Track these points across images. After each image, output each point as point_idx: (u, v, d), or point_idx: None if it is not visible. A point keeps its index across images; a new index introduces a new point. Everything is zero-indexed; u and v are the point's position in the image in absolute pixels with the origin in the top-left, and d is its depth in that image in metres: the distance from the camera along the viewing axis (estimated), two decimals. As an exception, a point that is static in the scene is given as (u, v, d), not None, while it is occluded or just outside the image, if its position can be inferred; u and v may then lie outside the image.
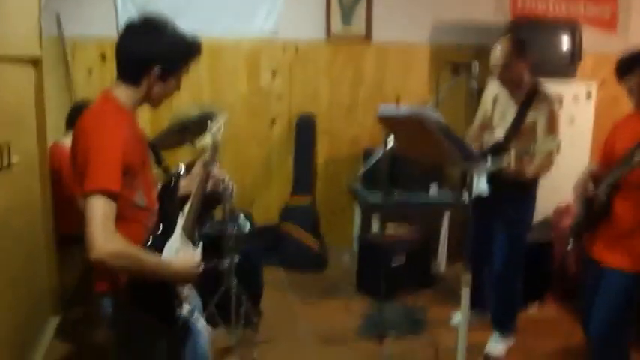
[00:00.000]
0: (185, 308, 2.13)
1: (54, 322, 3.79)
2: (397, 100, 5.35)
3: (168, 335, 2.18)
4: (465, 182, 3.11)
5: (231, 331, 3.65)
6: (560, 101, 4.82)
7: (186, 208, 2.18)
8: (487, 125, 3.80)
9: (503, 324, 3.81)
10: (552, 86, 4.80)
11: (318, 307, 4.41)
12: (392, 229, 4.83)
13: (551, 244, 4.45)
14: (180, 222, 2.15)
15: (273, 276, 4.86)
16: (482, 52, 3.72)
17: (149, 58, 2.01)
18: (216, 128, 2.40)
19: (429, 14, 5.44)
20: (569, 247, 3.22)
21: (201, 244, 2.25)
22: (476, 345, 3.69)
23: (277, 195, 5.44)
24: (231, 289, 3.59)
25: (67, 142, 2.72)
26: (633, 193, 2.75)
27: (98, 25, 4.78)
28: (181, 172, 2.40)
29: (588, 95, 5.07)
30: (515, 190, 3.53)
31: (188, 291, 2.19)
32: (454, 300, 3.33)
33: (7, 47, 2.99)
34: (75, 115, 3.40)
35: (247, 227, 3.49)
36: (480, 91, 3.91)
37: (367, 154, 4.83)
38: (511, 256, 3.67)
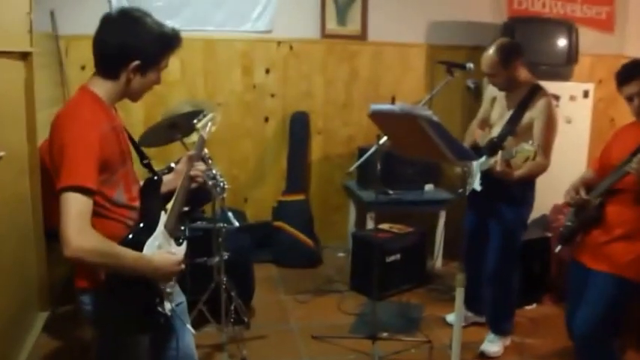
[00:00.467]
0: (167, 306, 2.10)
1: (42, 317, 3.75)
2: (393, 100, 5.37)
3: (149, 333, 2.15)
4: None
5: (221, 328, 3.64)
6: (557, 99, 4.82)
7: (170, 204, 2.15)
8: (486, 123, 3.80)
9: (499, 324, 3.77)
10: (549, 86, 4.80)
11: (311, 304, 4.38)
12: (387, 226, 4.80)
13: (548, 242, 4.42)
14: (163, 219, 2.12)
15: (265, 273, 4.85)
16: (478, 52, 3.71)
17: (128, 52, 1.98)
18: (203, 124, 2.37)
19: (424, 14, 5.44)
20: (556, 251, 3.23)
21: (185, 242, 2.22)
22: (471, 344, 3.68)
23: (271, 192, 5.42)
24: (221, 286, 3.57)
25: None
26: (625, 200, 2.78)
27: (92, 22, 4.64)
28: (172, 166, 2.39)
29: (585, 95, 5.05)
30: (511, 189, 3.50)
31: (171, 288, 2.15)
32: (450, 298, 3.31)
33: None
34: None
35: (236, 224, 3.46)
36: (475, 91, 3.89)
37: (361, 152, 4.81)
38: (505, 254, 3.64)
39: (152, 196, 2.15)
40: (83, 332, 3.67)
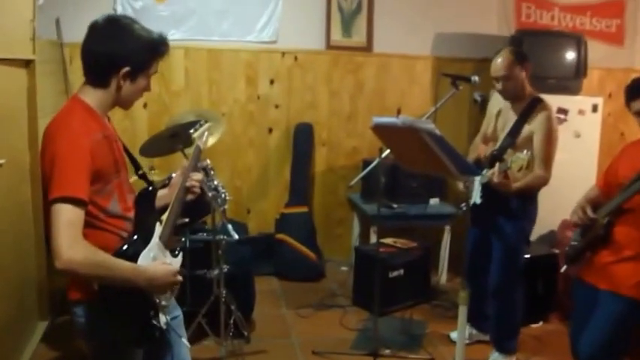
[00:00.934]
0: (162, 319, 2.04)
1: (41, 327, 3.73)
2: (398, 112, 5.30)
3: (144, 346, 2.09)
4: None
5: (221, 341, 3.58)
6: (566, 113, 4.78)
7: (165, 215, 2.10)
8: (490, 137, 3.75)
9: (503, 342, 3.70)
10: (558, 100, 4.76)
11: (312, 319, 4.32)
12: (391, 241, 4.75)
13: (555, 259, 4.35)
14: (159, 230, 2.07)
15: (267, 286, 4.80)
16: (484, 65, 3.67)
17: (117, 60, 1.95)
18: (199, 133, 2.32)
19: (431, 26, 5.42)
20: (562, 270, 3.17)
21: (181, 254, 2.17)
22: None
23: (274, 204, 5.38)
24: (220, 299, 3.52)
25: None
26: (634, 220, 2.71)
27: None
28: (173, 176, 2.34)
29: (594, 109, 5.00)
30: (511, 202, 3.47)
31: (167, 301, 2.10)
32: (454, 315, 3.26)
33: (-4, 48, 2.95)
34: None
35: (236, 237, 3.41)
36: (482, 104, 3.85)
37: (366, 164, 4.76)
38: (507, 269, 3.58)
39: (147, 206, 2.10)
40: (81, 343, 3.62)
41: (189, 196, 2.28)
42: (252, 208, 5.38)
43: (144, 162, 4.08)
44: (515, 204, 3.48)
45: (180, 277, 2.06)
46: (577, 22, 5.61)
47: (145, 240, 2.01)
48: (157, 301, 2.02)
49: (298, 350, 3.84)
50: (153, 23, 2.14)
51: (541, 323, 4.33)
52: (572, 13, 5.59)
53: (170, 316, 2.14)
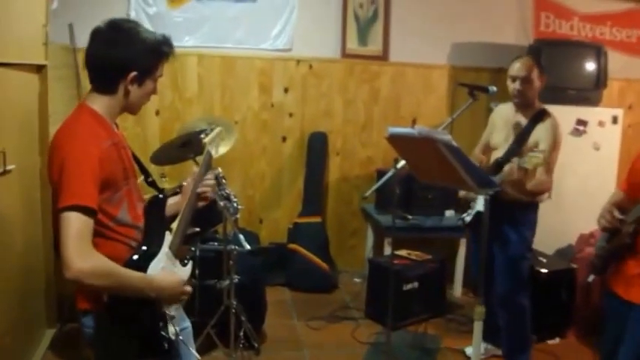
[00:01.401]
0: (171, 330, 2.00)
1: (49, 334, 3.71)
2: (414, 122, 5.23)
3: (153, 358, 2.03)
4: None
5: (230, 353, 3.52)
6: (585, 125, 4.71)
7: (175, 224, 2.05)
8: (492, 148, 3.73)
9: (514, 356, 3.62)
10: (577, 112, 4.69)
11: (324, 331, 4.25)
12: (405, 253, 4.67)
13: (573, 273, 4.26)
14: (168, 239, 2.03)
15: (278, 296, 4.73)
16: (502, 75, 3.62)
17: (124, 65, 1.92)
18: (210, 139, 2.27)
19: (447, 35, 5.36)
20: (589, 280, 3.06)
21: (190, 263, 2.12)
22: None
23: (286, 214, 5.33)
24: (230, 309, 3.45)
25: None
26: None
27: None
28: (184, 184, 2.29)
29: (614, 121, 4.92)
30: (514, 211, 3.46)
31: (175, 312, 2.05)
32: (469, 330, 3.21)
33: (9, 54, 2.94)
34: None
35: (247, 247, 3.35)
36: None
37: (380, 175, 4.70)
38: (512, 277, 3.54)
39: (157, 215, 2.07)
40: (89, 352, 3.58)
41: (201, 203, 2.23)
42: (265, 217, 5.33)
43: (155, 170, 4.08)
44: (518, 212, 3.48)
45: (189, 288, 2.03)
46: (597, 32, 5.53)
47: (155, 249, 1.97)
48: (166, 312, 1.99)
49: (309, 363, 3.78)
50: (167, 29, 2.12)
51: (558, 340, 4.22)
52: (591, 23, 5.51)
53: (179, 327, 2.10)
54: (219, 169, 3.42)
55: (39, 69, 3.51)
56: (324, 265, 4.99)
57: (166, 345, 1.99)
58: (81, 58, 4.63)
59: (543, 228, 3.68)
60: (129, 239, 1.96)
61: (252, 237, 4.80)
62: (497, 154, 3.58)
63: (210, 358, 3.61)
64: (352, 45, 5.22)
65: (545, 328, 4.10)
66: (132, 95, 1.97)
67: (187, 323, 2.30)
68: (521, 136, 3.46)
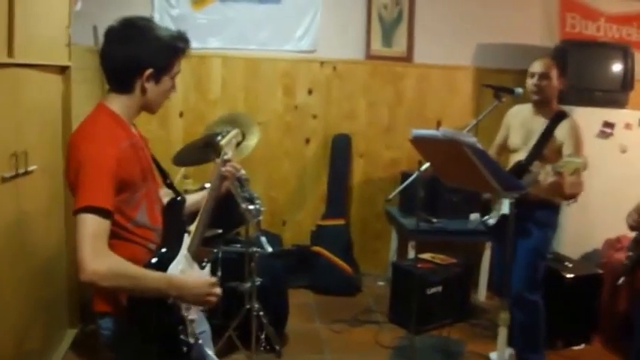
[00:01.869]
0: (191, 334, 1.99)
1: (70, 335, 3.73)
2: (438, 124, 5.20)
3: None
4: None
5: (251, 355, 3.51)
6: (612, 127, 4.62)
7: (193, 226, 2.04)
8: (505, 149, 3.74)
9: (528, 356, 3.60)
10: (603, 114, 4.60)
11: (347, 335, 4.21)
12: (429, 256, 4.63)
13: (599, 279, 4.18)
14: (187, 242, 2.01)
15: (301, 299, 4.71)
16: (525, 77, 3.57)
17: (139, 62, 1.90)
18: (227, 140, 2.25)
19: (472, 36, 5.30)
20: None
21: (208, 266, 2.11)
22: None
23: (310, 216, 5.30)
24: (252, 312, 3.44)
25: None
26: None
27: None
28: (207, 186, 2.28)
29: (642, 123, 4.82)
30: (536, 213, 3.45)
31: (195, 315, 2.04)
32: (493, 335, 3.16)
33: (32, 54, 2.96)
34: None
35: (269, 249, 3.33)
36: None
37: (404, 177, 4.66)
38: (528, 275, 3.50)
39: (175, 217, 2.05)
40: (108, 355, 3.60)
41: (225, 183, 2.26)
42: (288, 219, 5.32)
43: (178, 171, 4.07)
44: (541, 213, 3.46)
45: (219, 290, 1.97)
46: (623, 33, 5.44)
47: (174, 252, 1.95)
48: (185, 315, 1.97)
49: (332, 367, 3.75)
50: (190, 31, 2.09)
51: (583, 345, 4.14)
52: (618, 24, 5.42)
53: (198, 330, 2.08)
54: (243, 171, 3.41)
55: (62, 70, 3.53)
56: (347, 267, 4.96)
57: (185, 349, 1.97)
58: (105, 60, 4.68)
59: (569, 232, 3.63)
60: (147, 241, 1.94)
61: (275, 239, 4.79)
62: (517, 157, 3.54)
63: (231, 361, 3.61)
64: (376, 46, 5.19)
65: (570, 333, 4.05)
66: (149, 93, 1.95)
67: (206, 327, 2.28)
68: (543, 139, 3.42)
